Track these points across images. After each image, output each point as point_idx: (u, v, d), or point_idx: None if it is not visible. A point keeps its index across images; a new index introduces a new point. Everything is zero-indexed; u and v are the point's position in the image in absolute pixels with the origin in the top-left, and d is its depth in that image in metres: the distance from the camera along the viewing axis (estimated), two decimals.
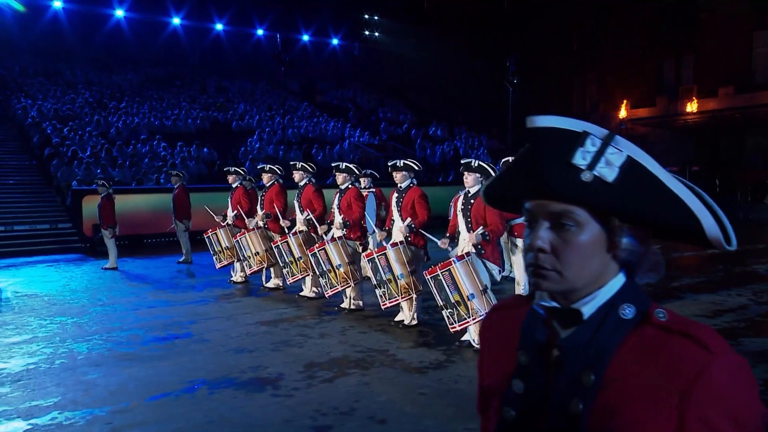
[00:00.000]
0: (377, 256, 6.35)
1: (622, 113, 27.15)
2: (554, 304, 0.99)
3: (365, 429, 4.01)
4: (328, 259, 7.04)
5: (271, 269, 8.93)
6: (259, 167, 9.28)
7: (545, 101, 30.51)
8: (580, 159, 0.91)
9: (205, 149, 20.78)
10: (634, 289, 0.98)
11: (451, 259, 5.49)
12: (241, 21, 32.34)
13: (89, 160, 17.60)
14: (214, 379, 4.97)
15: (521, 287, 7.40)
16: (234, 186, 9.63)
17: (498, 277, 5.73)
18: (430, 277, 5.56)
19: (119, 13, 30.08)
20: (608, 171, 0.90)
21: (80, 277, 10.67)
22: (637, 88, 27.77)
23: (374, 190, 9.44)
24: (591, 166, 0.90)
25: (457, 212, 5.78)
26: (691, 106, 25.07)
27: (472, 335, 5.73)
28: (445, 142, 26.64)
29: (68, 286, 9.77)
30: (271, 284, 8.99)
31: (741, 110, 23.82)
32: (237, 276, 9.68)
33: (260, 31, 33.06)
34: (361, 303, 7.43)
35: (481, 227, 5.52)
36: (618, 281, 0.98)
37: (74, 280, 10.35)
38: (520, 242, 7.24)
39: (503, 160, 9.02)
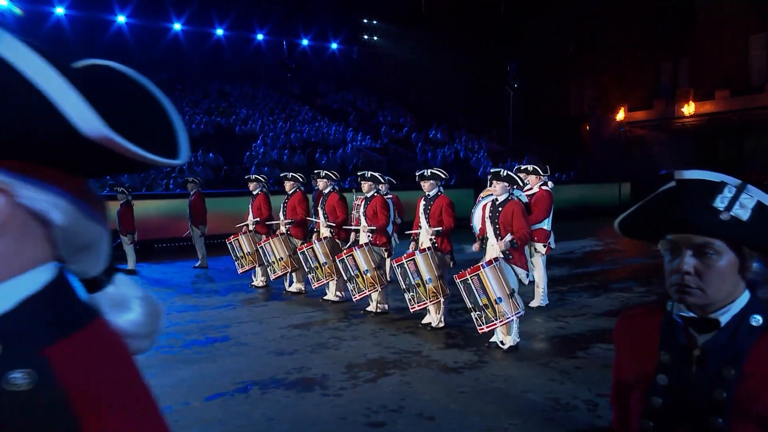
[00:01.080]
0: (406, 262, 6.65)
1: (620, 116, 27.55)
2: (692, 314, 1.29)
3: (416, 425, 4.31)
4: (356, 265, 7.33)
5: (293, 274, 9.22)
6: (281, 175, 9.56)
7: (543, 104, 30.94)
8: (719, 203, 1.18)
9: (211, 154, 21.04)
10: (758, 301, 1.28)
11: (480, 264, 5.80)
12: (242, 26, 32.64)
13: None
14: (263, 380, 5.26)
15: (540, 289, 7.74)
16: (255, 193, 9.91)
17: (526, 281, 6.05)
18: (460, 281, 5.87)
19: (121, 18, 30.33)
20: (742, 212, 1.16)
21: None
22: (635, 90, 28.19)
23: (392, 196, 9.74)
24: (728, 208, 1.17)
25: (485, 219, 6.08)
26: (688, 109, 25.50)
27: (500, 336, 6.04)
28: (445, 145, 26.98)
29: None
30: (293, 288, 9.27)
31: (738, 113, 24.25)
32: (258, 280, 9.96)
33: (260, 36, 33.37)
34: (386, 306, 7.72)
35: (509, 234, 5.83)
36: (746, 296, 1.28)
37: None
38: (539, 246, 7.56)
39: (516, 167, 9.32)
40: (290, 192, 9.17)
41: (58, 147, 0.60)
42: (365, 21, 34.69)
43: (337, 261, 7.60)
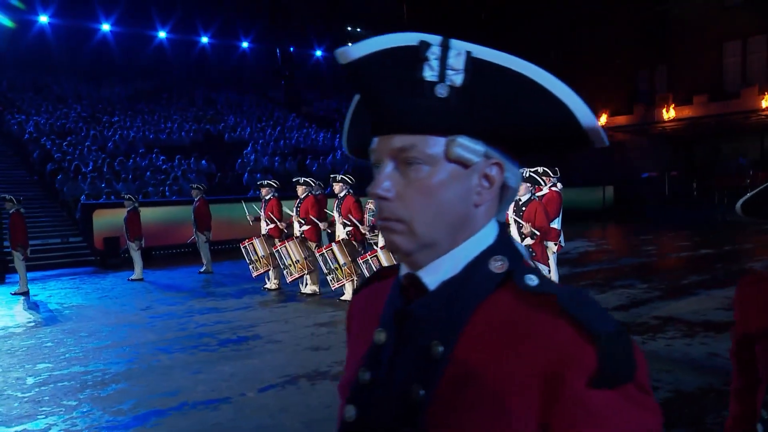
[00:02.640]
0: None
1: (602, 120, 28.22)
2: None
3: None
4: (380, 265, 7.62)
5: (308, 276, 9.47)
6: (294, 180, 9.82)
7: None
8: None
9: (203, 161, 21.16)
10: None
11: None
12: (227, 34, 32.77)
13: (93, 174, 17.87)
14: (308, 373, 5.52)
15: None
16: (267, 198, 10.15)
17: (552, 277, 6.39)
18: None
19: (105, 26, 30.28)
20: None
21: (112, 289, 11.05)
22: (615, 96, 28.92)
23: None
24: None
25: (509, 218, 6.42)
26: (668, 114, 26.27)
27: None
28: None
29: (106, 297, 10.17)
30: (308, 290, 9.52)
31: (715, 118, 25.05)
32: (271, 283, 10.20)
33: (245, 44, 33.52)
34: None
35: (530, 224, 6.18)
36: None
37: (108, 291, 10.74)
38: (551, 244, 7.93)
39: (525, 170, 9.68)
40: (302, 196, 9.44)
41: (558, 137, 0.81)
42: (349, 29, 35.03)
43: (361, 262, 7.89)
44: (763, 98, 23.81)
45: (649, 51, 28.42)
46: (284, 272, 9.45)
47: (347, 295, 8.78)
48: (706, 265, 11.29)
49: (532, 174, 6.31)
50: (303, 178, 9.69)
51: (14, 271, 12.64)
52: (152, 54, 31.61)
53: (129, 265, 13.58)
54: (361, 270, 8.31)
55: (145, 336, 7.18)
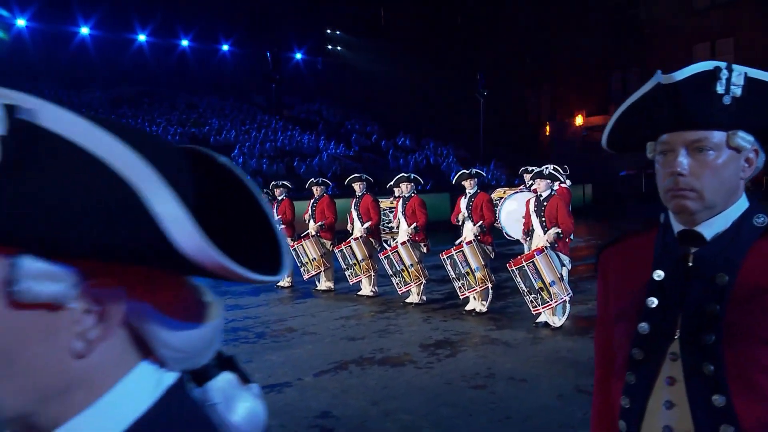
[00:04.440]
0: (455, 253, 7.38)
1: (579, 121, 29.04)
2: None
3: (513, 386, 5.02)
4: (401, 260, 7.99)
5: (323, 273, 9.79)
6: (310, 180, 10.13)
7: (505, 112, 32.21)
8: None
9: None
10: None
11: (533, 252, 6.57)
12: (207, 37, 32.79)
13: None
14: (355, 360, 5.87)
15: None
16: (280, 198, 10.44)
17: (569, 267, 6.85)
18: (516, 268, 6.62)
19: (84, 30, 30.08)
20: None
21: None
22: (591, 97, 29.78)
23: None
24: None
25: (530, 213, 6.86)
26: None
27: (547, 317, 6.81)
28: (416, 152, 27.85)
29: None
30: (323, 287, 9.84)
31: None
32: (284, 281, 10.49)
33: (225, 47, 33.59)
34: (425, 297, 8.42)
35: (555, 226, 6.62)
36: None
37: None
38: None
39: (524, 169, 10.14)
40: (318, 196, 9.77)
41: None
42: (329, 32, 35.35)
43: (383, 257, 8.25)
44: None
45: (622, 53, 29.31)
46: (301, 270, 9.75)
47: (365, 290, 9.12)
48: None
49: (551, 171, 6.76)
50: (321, 179, 10.02)
51: None
52: (132, 58, 31.48)
53: None
54: (378, 266, 8.70)
55: None
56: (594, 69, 30.00)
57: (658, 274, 1.28)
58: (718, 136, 1.19)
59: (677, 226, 1.28)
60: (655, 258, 1.31)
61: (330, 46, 36.00)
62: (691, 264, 1.25)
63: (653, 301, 1.27)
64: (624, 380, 1.33)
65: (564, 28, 30.79)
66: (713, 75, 1.16)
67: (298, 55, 35.21)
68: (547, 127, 31.48)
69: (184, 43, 32.55)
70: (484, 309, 7.59)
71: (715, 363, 1.19)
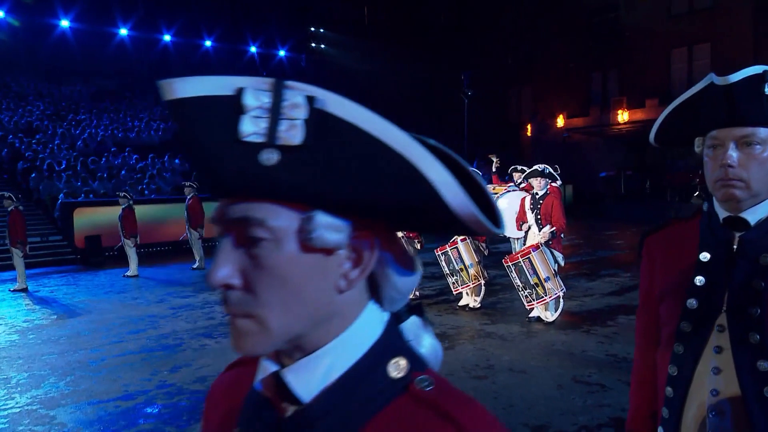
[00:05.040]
0: (450, 249, 7.54)
1: (560, 122, 29.44)
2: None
3: (514, 377, 5.19)
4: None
5: None
6: None
7: (486, 112, 32.52)
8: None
9: (177, 160, 21.18)
10: None
11: (529, 248, 6.76)
12: (189, 32, 32.58)
13: (68, 173, 17.77)
14: None
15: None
16: None
17: (563, 263, 7.06)
18: (511, 264, 6.81)
19: (64, 23, 29.70)
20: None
21: (111, 285, 11.20)
22: (572, 99, 30.21)
23: None
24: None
25: (526, 210, 7.05)
26: (622, 116, 27.64)
27: (539, 312, 7.01)
28: None
29: (111, 292, 10.35)
30: None
31: None
32: None
33: (208, 43, 33.41)
34: (418, 293, 8.57)
35: (549, 225, 6.82)
36: None
37: (109, 287, 10.90)
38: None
39: (516, 168, 10.34)
40: None
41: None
42: (313, 29, 35.35)
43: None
44: None
45: (602, 56, 29.77)
46: None
47: None
48: None
49: (549, 170, 6.95)
50: None
51: (8, 269, 12.67)
52: (113, 52, 31.15)
53: (111, 263, 13.77)
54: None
55: (177, 324, 7.50)
56: (574, 71, 30.45)
57: (705, 256, 1.43)
58: (764, 132, 1.33)
59: (722, 213, 1.42)
60: (701, 242, 1.46)
61: (314, 44, 36.00)
62: (736, 246, 1.39)
63: (701, 280, 1.42)
64: (672, 351, 1.48)
65: (545, 29, 31.17)
66: (762, 78, 1.29)
67: (282, 53, 35.14)
68: (529, 128, 31.85)
69: (167, 37, 32.29)
70: (478, 305, 7.77)
71: (761, 332, 1.35)
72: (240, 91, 0.60)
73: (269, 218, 0.62)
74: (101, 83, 29.26)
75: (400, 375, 0.66)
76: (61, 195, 16.44)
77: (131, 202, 12.37)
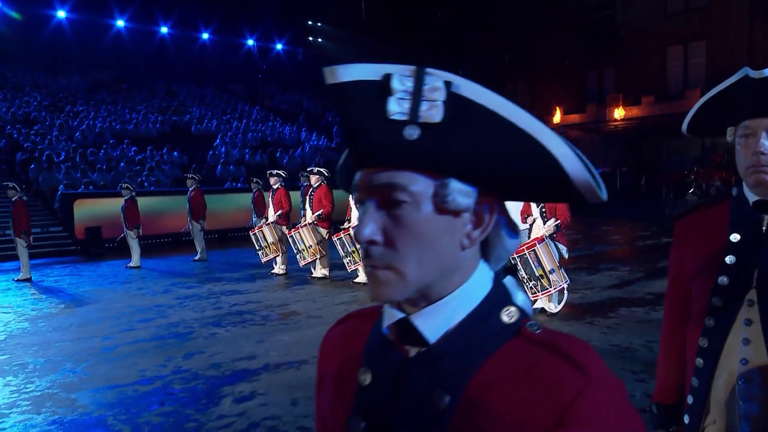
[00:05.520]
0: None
1: (557, 118, 29.61)
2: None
3: None
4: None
5: (318, 261, 10.01)
6: (308, 169, 10.31)
7: None
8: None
9: (176, 153, 21.21)
10: None
11: (534, 240, 6.89)
12: (186, 25, 32.52)
13: (67, 164, 17.79)
14: None
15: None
16: (275, 187, 10.61)
17: (566, 256, 7.19)
18: (517, 256, 6.92)
19: (61, 14, 29.59)
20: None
21: (114, 275, 11.28)
22: (568, 95, 30.38)
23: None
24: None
25: (531, 204, 7.18)
26: (618, 113, 27.82)
27: (543, 304, 7.14)
28: None
29: (115, 282, 10.43)
30: (318, 274, 10.06)
31: (661, 117, 26.75)
32: (278, 268, 10.69)
33: (205, 35, 33.35)
34: None
35: (553, 218, 6.95)
36: None
37: (113, 278, 10.98)
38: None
39: None
40: (315, 185, 9.96)
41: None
42: (310, 23, 35.33)
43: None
44: None
45: (598, 53, 29.94)
46: (297, 257, 9.95)
47: (361, 277, 9.36)
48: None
49: None
50: (316, 168, 10.21)
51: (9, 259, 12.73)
52: (110, 44, 31.06)
53: (112, 254, 13.90)
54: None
55: (184, 314, 7.60)
56: (571, 68, 30.61)
57: (735, 237, 1.54)
58: None
59: (752, 197, 1.53)
60: (731, 224, 1.57)
61: (311, 38, 35.98)
62: (765, 228, 1.51)
63: (731, 259, 1.53)
64: (703, 325, 1.61)
65: (542, 26, 31.30)
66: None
67: (279, 46, 35.12)
68: None
69: (164, 30, 32.21)
70: None
71: None
72: (387, 77, 0.70)
73: (410, 184, 0.72)
74: (98, 75, 29.16)
75: (512, 320, 0.76)
76: (61, 186, 16.47)
77: (134, 193, 12.44)
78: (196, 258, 13.03)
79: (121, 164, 18.96)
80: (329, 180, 9.98)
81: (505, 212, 0.80)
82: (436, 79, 0.71)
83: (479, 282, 0.78)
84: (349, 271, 9.40)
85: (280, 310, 7.66)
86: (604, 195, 0.71)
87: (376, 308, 0.90)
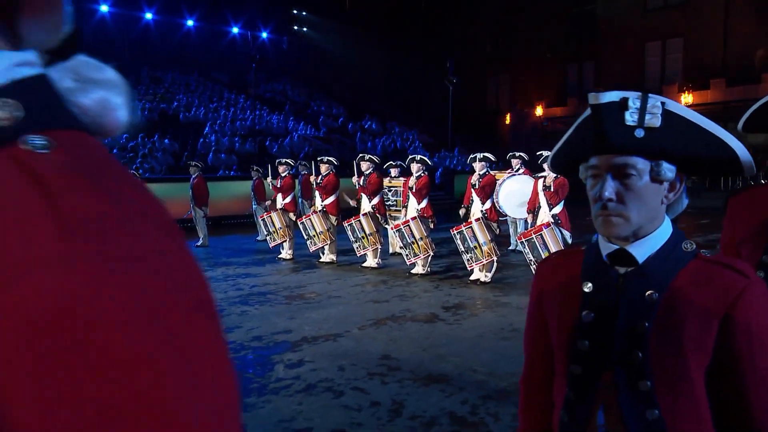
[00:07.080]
0: (465, 229, 8.17)
1: (539, 111, 30.27)
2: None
3: None
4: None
5: (327, 246, 10.43)
6: (318, 159, 10.70)
7: (466, 100, 33.21)
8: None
9: (167, 140, 21.36)
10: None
11: (540, 226, 7.44)
12: (171, 11, 32.45)
13: None
14: (388, 317, 6.60)
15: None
16: (283, 175, 11.00)
17: (570, 241, 7.75)
18: (525, 240, 7.48)
19: None
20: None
21: None
22: (549, 89, 31.06)
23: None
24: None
25: (538, 192, 7.72)
26: None
27: None
28: (384, 135, 28.54)
29: None
30: (326, 259, 10.49)
31: None
32: (285, 253, 11.09)
33: (190, 22, 33.32)
34: (429, 269, 9.19)
35: (558, 206, 7.51)
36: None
37: None
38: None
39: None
40: (324, 174, 10.37)
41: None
42: (295, 11, 35.46)
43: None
44: (682, 96, 26.42)
45: (577, 47, 30.64)
46: (308, 242, 10.36)
47: (369, 261, 9.82)
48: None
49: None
50: (326, 157, 10.60)
51: None
52: (93, 30, 30.87)
53: None
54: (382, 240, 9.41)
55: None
56: (551, 61, 31.28)
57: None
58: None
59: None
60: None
61: (296, 27, 36.13)
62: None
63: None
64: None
65: (523, 19, 31.89)
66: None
67: (264, 34, 35.21)
68: (508, 116, 32.63)
69: (148, 16, 32.10)
70: (488, 279, 8.42)
71: None
72: (625, 99, 1.16)
73: (637, 164, 1.17)
74: None
75: (691, 249, 1.22)
76: None
77: (200, 171, 12.89)
78: (198, 244, 13.34)
79: (114, 151, 19.10)
80: (337, 169, 10.40)
81: (682, 183, 1.26)
82: (656, 100, 1.16)
83: (667, 225, 1.24)
84: (358, 255, 9.85)
85: (300, 291, 8.09)
86: (754, 170, 1.21)
87: (570, 250, 1.44)
